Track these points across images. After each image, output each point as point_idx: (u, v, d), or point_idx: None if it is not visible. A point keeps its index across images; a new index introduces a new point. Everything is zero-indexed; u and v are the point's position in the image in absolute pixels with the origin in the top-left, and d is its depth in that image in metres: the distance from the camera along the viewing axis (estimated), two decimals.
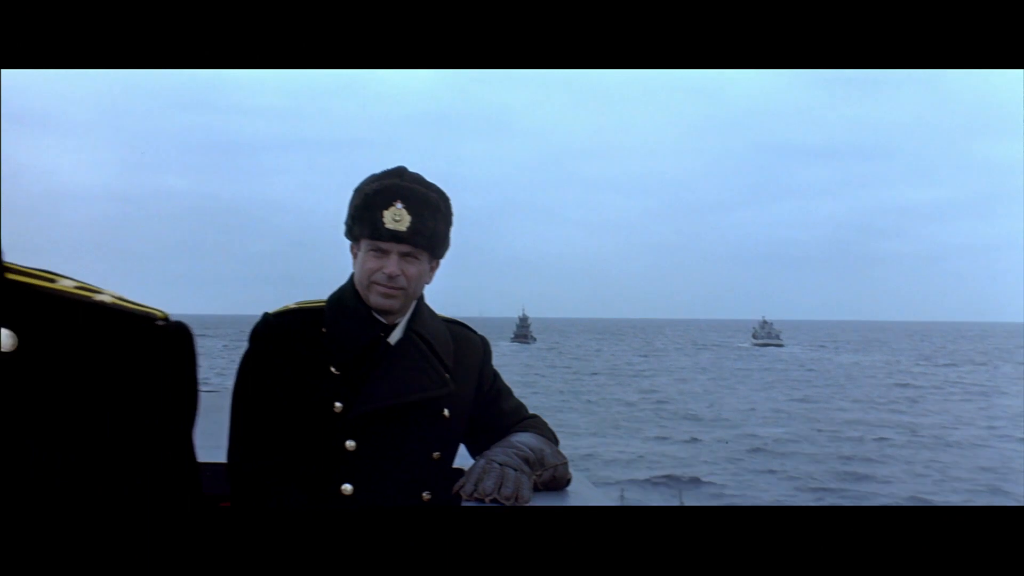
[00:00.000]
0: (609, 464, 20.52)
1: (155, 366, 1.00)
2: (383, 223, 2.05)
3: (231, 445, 2.06)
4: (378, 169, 2.14)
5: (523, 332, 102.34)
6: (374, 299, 2.11)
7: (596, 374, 51.38)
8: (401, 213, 2.05)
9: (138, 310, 1.02)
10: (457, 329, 2.32)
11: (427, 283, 2.19)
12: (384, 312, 2.13)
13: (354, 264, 2.17)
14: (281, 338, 2.09)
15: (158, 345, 1.01)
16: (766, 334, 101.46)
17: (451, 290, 2.47)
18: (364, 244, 2.11)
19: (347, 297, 2.15)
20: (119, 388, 0.97)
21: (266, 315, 2.13)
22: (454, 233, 2.20)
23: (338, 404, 2.05)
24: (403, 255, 2.09)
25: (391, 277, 2.08)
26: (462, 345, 2.29)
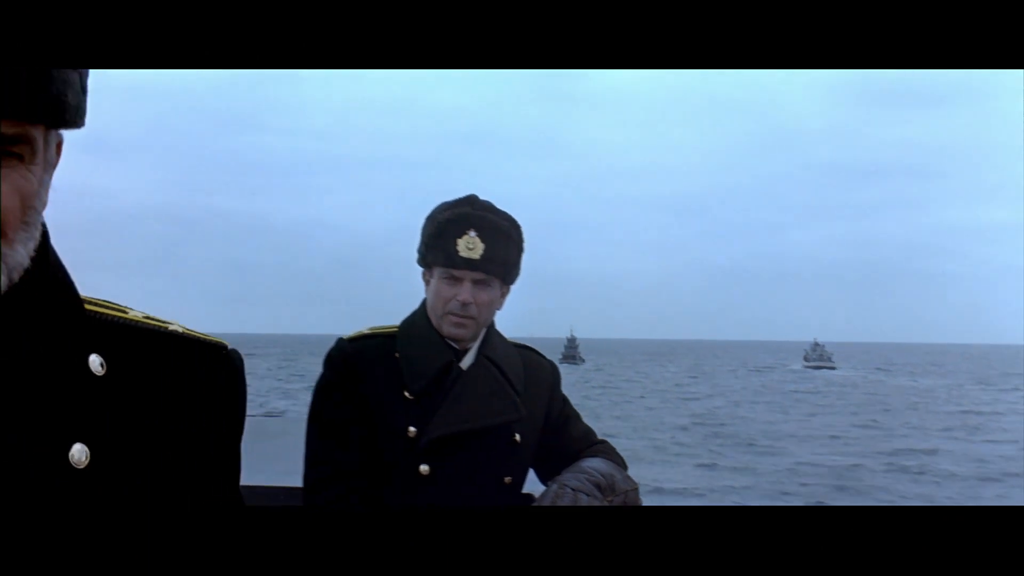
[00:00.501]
0: (662, 495, 19.78)
1: (231, 389, 1.12)
2: (457, 251, 2.11)
3: (307, 469, 2.11)
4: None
5: (571, 352, 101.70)
6: (447, 328, 2.16)
7: (643, 396, 50.58)
8: (475, 241, 2.11)
9: (208, 339, 1.13)
10: (527, 354, 2.35)
11: (498, 309, 2.24)
12: (456, 340, 2.18)
13: (426, 291, 2.23)
14: (356, 363, 2.14)
15: (231, 370, 1.13)
16: (818, 356, 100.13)
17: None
18: (438, 272, 2.17)
19: (419, 323, 2.21)
20: (198, 409, 1.07)
21: (340, 340, 2.19)
22: None
23: (412, 429, 2.09)
24: (476, 282, 2.14)
25: (464, 304, 2.13)
26: (532, 370, 2.32)
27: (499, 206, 2.23)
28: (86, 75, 0.99)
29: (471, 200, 2.19)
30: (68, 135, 0.99)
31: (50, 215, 1.00)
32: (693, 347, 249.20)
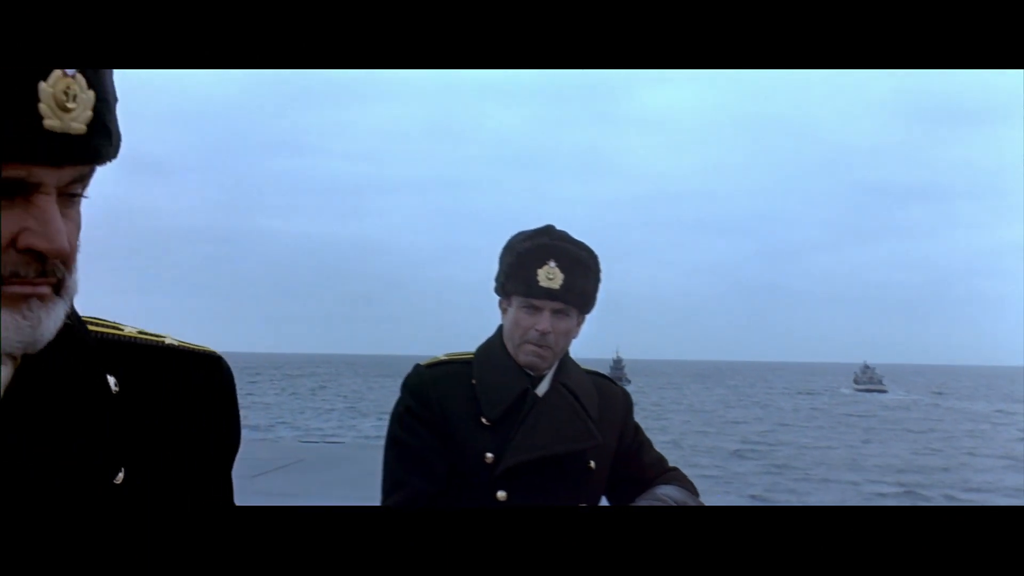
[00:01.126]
0: None
1: (226, 395, 1.17)
2: (537, 281, 2.17)
3: (386, 494, 2.16)
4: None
5: (618, 374, 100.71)
6: (523, 357, 2.22)
7: (687, 421, 49.41)
8: (555, 271, 2.16)
9: (201, 350, 1.17)
10: (600, 381, 2.40)
11: (574, 338, 2.29)
12: (532, 368, 2.23)
13: (504, 319, 2.29)
14: (433, 389, 2.19)
15: (224, 378, 1.17)
16: (868, 379, 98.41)
17: None
18: (516, 301, 2.22)
19: (495, 350, 2.26)
20: (198, 416, 1.12)
21: (418, 367, 2.26)
22: None
23: (489, 455, 2.13)
24: (555, 312, 2.19)
25: (543, 334, 2.18)
26: (605, 397, 2.35)
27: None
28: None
29: (548, 230, 2.23)
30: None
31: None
32: (740, 368, 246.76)
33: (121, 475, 1.01)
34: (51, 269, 0.93)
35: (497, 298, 2.31)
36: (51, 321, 0.95)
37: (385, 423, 2.28)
